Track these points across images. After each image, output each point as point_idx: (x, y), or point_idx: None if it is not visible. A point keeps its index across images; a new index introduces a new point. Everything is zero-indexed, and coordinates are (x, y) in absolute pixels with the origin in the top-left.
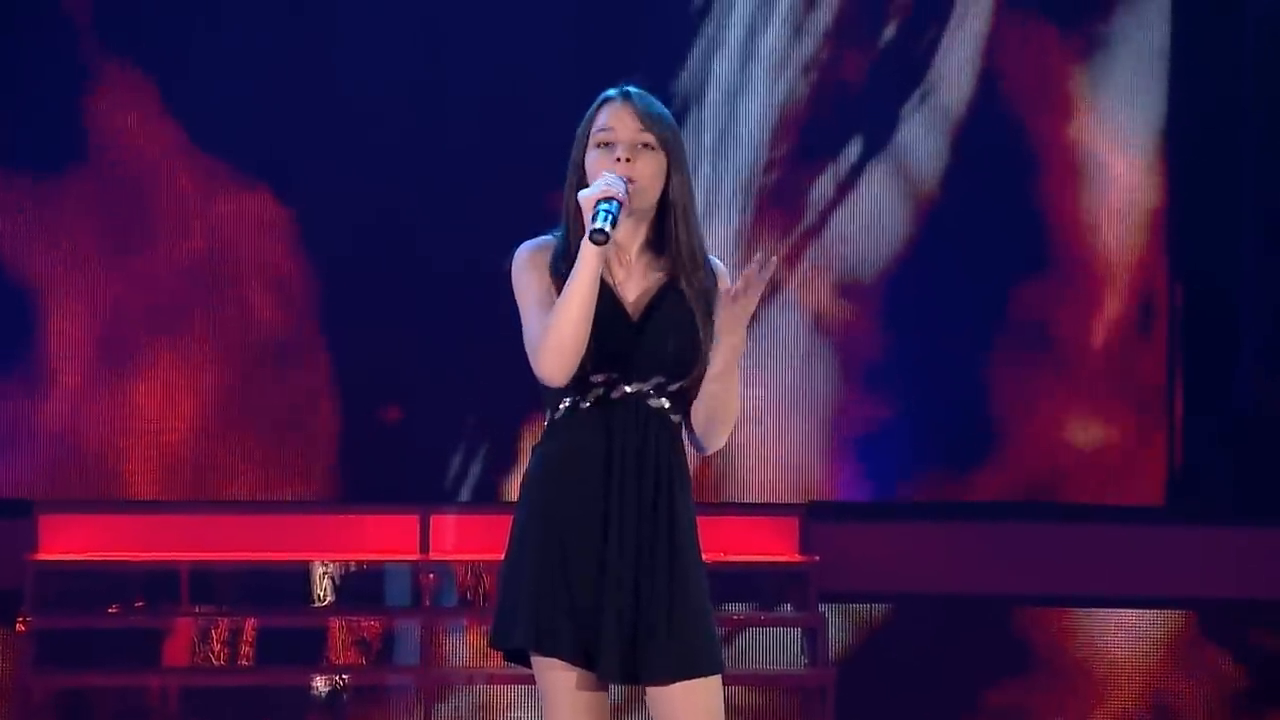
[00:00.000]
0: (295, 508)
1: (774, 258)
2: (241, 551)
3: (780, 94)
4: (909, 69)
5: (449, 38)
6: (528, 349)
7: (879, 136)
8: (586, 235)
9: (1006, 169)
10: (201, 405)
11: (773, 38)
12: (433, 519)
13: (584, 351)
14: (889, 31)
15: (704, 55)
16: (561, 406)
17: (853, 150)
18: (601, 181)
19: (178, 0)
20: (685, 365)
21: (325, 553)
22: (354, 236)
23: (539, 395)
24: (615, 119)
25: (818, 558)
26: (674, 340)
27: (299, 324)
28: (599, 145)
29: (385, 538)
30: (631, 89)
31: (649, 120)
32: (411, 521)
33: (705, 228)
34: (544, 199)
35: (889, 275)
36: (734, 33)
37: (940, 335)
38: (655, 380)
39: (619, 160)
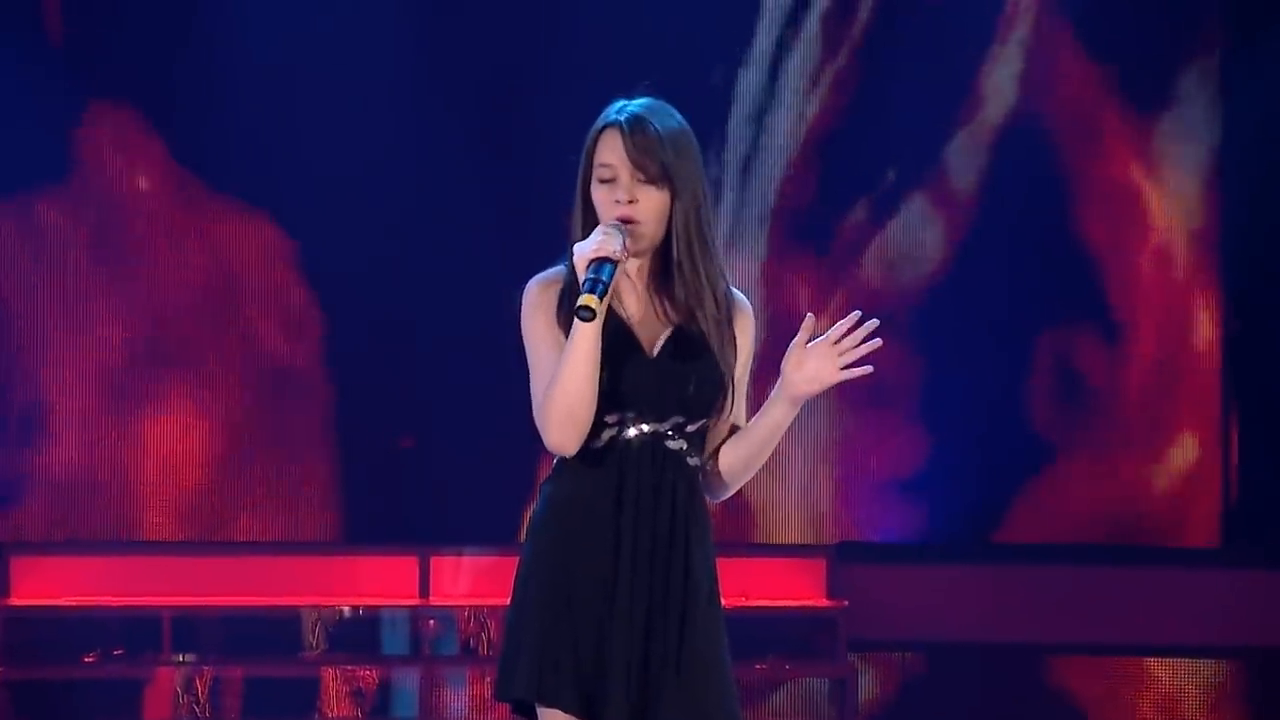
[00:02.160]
0: (286, 549)
1: (875, 321)
2: (227, 596)
3: (811, 112)
4: (947, 91)
5: (454, 57)
6: (534, 409)
7: (913, 162)
8: (575, 308)
9: (1047, 198)
10: (191, 440)
11: (802, 54)
12: (433, 561)
13: (592, 417)
14: (927, 54)
15: (729, 69)
16: None
17: (886, 175)
18: (598, 234)
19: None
20: (706, 405)
21: (318, 597)
22: (358, 267)
23: None
24: (613, 153)
25: (846, 602)
26: (695, 379)
27: (300, 358)
28: (601, 181)
29: (382, 581)
30: (629, 114)
31: (646, 153)
32: (411, 564)
33: (729, 253)
34: (554, 224)
35: (923, 307)
36: (762, 47)
37: (977, 369)
38: (673, 421)
39: (619, 202)
